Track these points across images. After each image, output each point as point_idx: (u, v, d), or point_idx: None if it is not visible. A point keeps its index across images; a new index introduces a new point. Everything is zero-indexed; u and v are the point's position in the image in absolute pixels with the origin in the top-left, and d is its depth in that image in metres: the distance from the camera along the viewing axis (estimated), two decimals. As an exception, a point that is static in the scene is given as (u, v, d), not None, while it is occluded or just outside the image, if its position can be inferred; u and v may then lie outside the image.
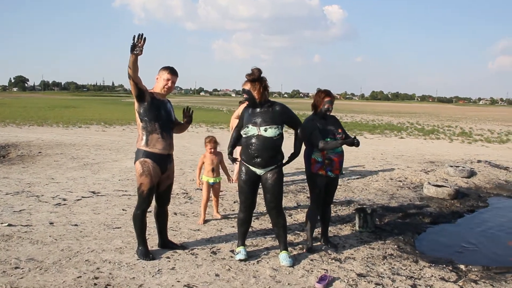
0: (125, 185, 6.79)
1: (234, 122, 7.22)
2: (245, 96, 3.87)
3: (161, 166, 3.89)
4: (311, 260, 4.09)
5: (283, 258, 3.94)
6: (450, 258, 4.64)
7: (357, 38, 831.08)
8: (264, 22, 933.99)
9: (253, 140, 3.79)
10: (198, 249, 4.19)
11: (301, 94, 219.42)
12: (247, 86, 3.83)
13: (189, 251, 4.12)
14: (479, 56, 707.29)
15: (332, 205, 4.80)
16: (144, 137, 3.79)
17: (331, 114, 4.35)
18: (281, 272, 3.75)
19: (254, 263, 3.91)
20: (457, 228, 5.98)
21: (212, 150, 5.19)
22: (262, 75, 3.85)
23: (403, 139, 16.72)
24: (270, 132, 3.77)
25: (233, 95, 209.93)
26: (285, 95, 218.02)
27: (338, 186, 7.47)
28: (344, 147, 4.38)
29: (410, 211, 6.27)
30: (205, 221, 5.07)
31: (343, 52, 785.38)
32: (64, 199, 5.78)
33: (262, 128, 3.76)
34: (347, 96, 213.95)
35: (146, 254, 3.89)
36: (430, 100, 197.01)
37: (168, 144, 3.91)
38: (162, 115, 3.85)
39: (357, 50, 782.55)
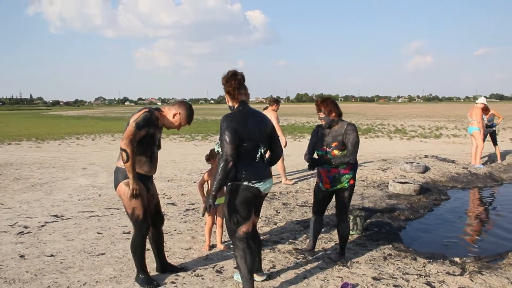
0: (88, 205, 6.19)
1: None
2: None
3: (146, 185, 3.55)
4: (321, 268, 3.96)
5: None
6: (442, 252, 4.77)
7: (279, 42, 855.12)
8: (187, 28, 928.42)
9: None
10: (200, 269, 3.87)
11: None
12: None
13: (191, 273, 3.79)
14: (395, 56, 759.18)
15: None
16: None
17: (351, 122, 4.10)
18: (298, 286, 3.57)
19: (271, 281, 3.68)
20: (432, 222, 6.20)
21: None
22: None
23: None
24: (215, 148, 3.37)
25: (159, 103, 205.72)
26: (211, 101, 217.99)
27: (306, 190, 7.53)
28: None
29: (385, 209, 6.39)
30: (211, 247, 4.49)
31: (266, 57, 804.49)
32: (26, 227, 5.11)
33: None
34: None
35: (149, 281, 3.53)
36: (353, 100, 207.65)
37: (155, 166, 3.62)
38: (156, 140, 3.57)
39: (279, 54, 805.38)
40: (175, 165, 10.29)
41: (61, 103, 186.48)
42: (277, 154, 3.45)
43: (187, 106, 3.62)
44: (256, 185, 3.13)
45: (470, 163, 9.89)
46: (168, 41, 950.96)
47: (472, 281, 3.74)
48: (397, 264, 4.15)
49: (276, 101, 8.25)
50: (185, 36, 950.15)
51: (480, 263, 4.37)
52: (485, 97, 10.28)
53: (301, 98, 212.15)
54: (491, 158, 10.56)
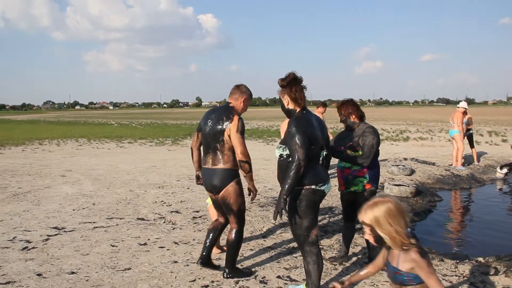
0: (86, 216, 5.76)
1: None
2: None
3: None
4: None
5: None
6: (463, 253, 4.84)
7: (232, 47, 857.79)
8: (139, 32, 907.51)
9: None
10: (242, 280, 3.66)
11: (180, 104, 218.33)
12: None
13: (235, 285, 3.58)
14: (347, 61, 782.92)
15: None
16: (232, 158, 3.56)
17: (371, 125, 4.00)
18: (352, 293, 3.46)
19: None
20: (436, 223, 6.32)
21: None
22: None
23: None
24: (276, 152, 3.16)
25: (111, 107, 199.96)
26: (165, 105, 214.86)
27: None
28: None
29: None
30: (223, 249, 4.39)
31: (219, 61, 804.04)
32: (28, 241, 4.65)
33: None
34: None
35: (245, 271, 3.81)
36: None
37: None
38: None
39: (232, 58, 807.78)
40: (158, 170, 9.89)
41: (7, 107, 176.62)
42: (329, 157, 3.36)
43: (244, 89, 3.75)
44: (322, 187, 3.04)
45: (451, 165, 10.23)
46: (120, 44, 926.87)
47: (513, 280, 3.79)
48: (430, 267, 4.15)
49: (323, 104, 8.23)
50: (137, 40, 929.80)
51: (504, 262, 4.45)
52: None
53: (254, 102, 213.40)
54: (468, 160, 10.98)
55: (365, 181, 3.86)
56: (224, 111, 3.58)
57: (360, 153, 3.81)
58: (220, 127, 3.50)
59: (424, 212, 6.75)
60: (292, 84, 3.11)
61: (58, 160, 11.78)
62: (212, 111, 3.73)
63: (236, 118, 3.50)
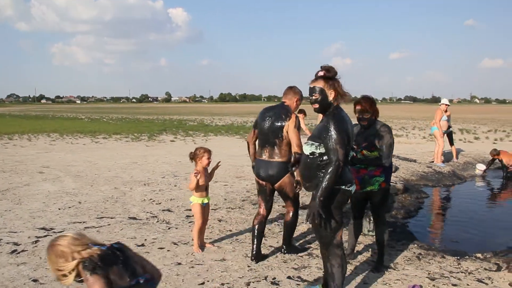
0: (74, 215, 5.48)
1: None
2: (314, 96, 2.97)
3: None
4: (374, 273, 3.83)
5: None
6: (463, 250, 4.88)
7: (202, 41, 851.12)
8: (107, 24, 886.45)
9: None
10: (253, 282, 3.55)
11: (149, 99, 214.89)
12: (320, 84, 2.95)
13: (246, 285, 3.45)
14: (317, 58, 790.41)
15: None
16: (288, 152, 3.92)
17: (385, 123, 3.92)
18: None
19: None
20: (427, 219, 6.42)
21: (210, 162, 4.40)
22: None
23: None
24: (307, 149, 2.96)
25: (78, 101, 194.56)
26: (134, 100, 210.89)
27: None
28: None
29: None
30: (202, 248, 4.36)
31: (189, 55, 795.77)
32: (16, 243, 4.36)
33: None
34: (197, 99, 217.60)
35: (300, 248, 4.32)
36: (275, 100, 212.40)
37: None
38: None
39: (203, 53, 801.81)
40: (139, 167, 9.61)
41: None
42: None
43: (297, 90, 4.10)
44: (350, 188, 2.93)
45: (433, 161, 10.41)
46: (88, 36, 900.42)
47: (517, 276, 3.83)
48: (433, 264, 4.16)
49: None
50: (106, 32, 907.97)
51: (502, 258, 4.52)
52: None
53: (224, 98, 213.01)
54: (447, 157, 11.21)
55: (381, 180, 3.82)
56: (281, 110, 3.94)
57: (376, 154, 3.75)
58: (279, 124, 3.85)
59: (414, 209, 6.82)
60: (336, 77, 2.94)
61: (32, 156, 11.25)
62: (268, 110, 4.06)
63: (293, 116, 3.88)
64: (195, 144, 15.45)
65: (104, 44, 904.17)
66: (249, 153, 4.24)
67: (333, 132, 2.78)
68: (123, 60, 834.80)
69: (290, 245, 4.23)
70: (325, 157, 2.82)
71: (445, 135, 10.69)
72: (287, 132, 3.83)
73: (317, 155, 2.86)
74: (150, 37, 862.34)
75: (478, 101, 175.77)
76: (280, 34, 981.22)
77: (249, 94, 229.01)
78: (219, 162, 4.50)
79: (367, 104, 3.86)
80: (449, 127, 10.75)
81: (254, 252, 4.00)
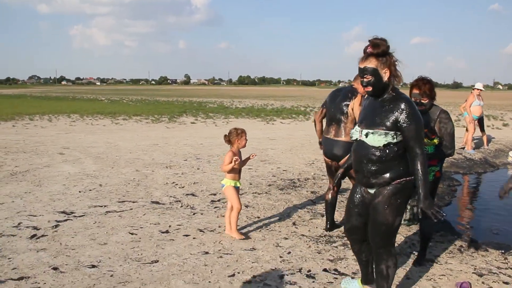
0: (95, 198, 5.30)
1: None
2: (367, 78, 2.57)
3: None
4: (415, 267, 3.54)
5: None
6: (506, 243, 4.54)
7: (221, 24, 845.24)
8: (127, 6, 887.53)
9: (355, 147, 2.72)
10: (287, 275, 3.29)
11: (168, 81, 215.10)
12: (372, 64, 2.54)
13: (280, 280, 3.21)
14: (337, 42, 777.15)
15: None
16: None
17: (444, 109, 3.57)
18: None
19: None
20: (462, 208, 6.14)
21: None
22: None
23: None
24: (378, 139, 2.52)
25: (98, 83, 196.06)
26: (153, 81, 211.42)
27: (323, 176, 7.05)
28: None
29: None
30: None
31: (208, 38, 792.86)
32: (35, 228, 4.18)
33: (364, 132, 2.60)
34: (215, 82, 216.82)
35: (340, 225, 4.40)
36: (294, 83, 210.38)
37: None
38: None
39: (222, 36, 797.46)
40: (161, 149, 9.42)
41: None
42: None
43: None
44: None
45: (463, 148, 9.96)
46: (107, 18, 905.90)
47: None
48: (479, 257, 3.88)
49: None
50: (125, 14, 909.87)
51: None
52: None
53: (243, 81, 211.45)
54: (477, 144, 10.71)
55: (436, 170, 3.54)
56: (349, 91, 4.15)
57: (436, 141, 3.43)
58: (346, 102, 4.08)
59: (448, 196, 6.48)
60: (389, 53, 2.54)
61: (52, 137, 11.18)
62: (338, 91, 4.34)
63: (359, 95, 4.00)
64: (216, 126, 15.22)
65: (123, 26, 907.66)
66: (316, 131, 4.51)
67: (416, 120, 2.46)
68: (142, 42, 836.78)
69: (333, 224, 4.38)
70: (400, 147, 2.52)
71: (476, 121, 10.18)
72: (352, 110, 3.99)
73: (392, 145, 2.50)
74: (169, 20, 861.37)
75: (501, 87, 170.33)
76: (299, 17, 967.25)
77: (268, 77, 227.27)
78: (254, 154, 4.24)
79: (427, 87, 3.48)
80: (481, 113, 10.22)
81: (328, 225, 4.34)
